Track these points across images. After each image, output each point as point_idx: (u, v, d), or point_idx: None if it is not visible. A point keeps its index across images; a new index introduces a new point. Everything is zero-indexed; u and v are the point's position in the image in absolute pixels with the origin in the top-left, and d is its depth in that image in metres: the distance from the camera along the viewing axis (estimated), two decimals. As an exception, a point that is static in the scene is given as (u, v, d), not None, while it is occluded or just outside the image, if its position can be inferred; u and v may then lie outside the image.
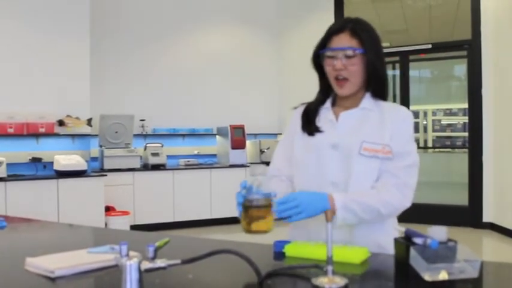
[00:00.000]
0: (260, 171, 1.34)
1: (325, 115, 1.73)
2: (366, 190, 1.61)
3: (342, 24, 1.67)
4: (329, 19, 8.18)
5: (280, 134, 8.66)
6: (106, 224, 6.27)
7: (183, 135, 8.01)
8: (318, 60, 1.71)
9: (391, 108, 1.70)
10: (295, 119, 1.80)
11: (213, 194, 7.43)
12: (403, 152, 1.64)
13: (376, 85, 1.69)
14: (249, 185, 1.35)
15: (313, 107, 1.76)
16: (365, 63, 1.64)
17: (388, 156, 1.62)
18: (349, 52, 1.62)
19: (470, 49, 7.19)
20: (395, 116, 1.68)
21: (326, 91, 1.76)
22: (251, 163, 8.00)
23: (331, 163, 1.65)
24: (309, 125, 1.72)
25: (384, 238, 1.63)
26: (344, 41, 1.63)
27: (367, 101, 1.71)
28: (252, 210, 1.33)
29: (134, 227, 6.63)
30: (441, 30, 8.19)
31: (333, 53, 1.63)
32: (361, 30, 1.64)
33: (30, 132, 6.27)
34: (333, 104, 1.76)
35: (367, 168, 1.62)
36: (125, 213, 6.55)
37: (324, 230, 1.48)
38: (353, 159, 1.62)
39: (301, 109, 1.81)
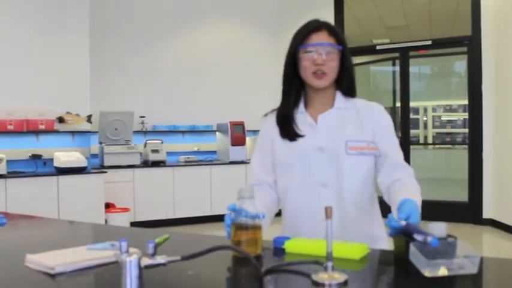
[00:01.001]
0: (248, 193, 1.34)
1: (302, 119, 1.75)
2: (403, 183, 1.64)
3: (318, 23, 1.73)
4: (329, 16, 8.18)
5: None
6: (106, 221, 6.28)
7: (183, 132, 8.01)
8: (291, 60, 1.73)
9: (365, 106, 1.77)
10: (269, 126, 1.81)
11: (213, 191, 7.44)
12: (397, 146, 1.74)
13: (347, 82, 1.76)
14: (238, 207, 1.35)
15: (287, 112, 1.76)
16: (340, 60, 1.71)
17: (374, 152, 1.70)
18: (330, 48, 1.68)
19: (470, 45, 7.18)
20: (373, 114, 1.74)
21: (296, 94, 1.77)
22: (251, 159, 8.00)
23: (319, 165, 1.69)
24: (288, 130, 1.74)
25: (375, 230, 1.74)
26: (323, 38, 1.69)
27: (340, 100, 1.76)
28: (240, 233, 1.33)
29: (134, 224, 6.64)
30: (441, 26, 8.18)
31: (313, 49, 1.68)
32: (336, 30, 1.73)
33: (30, 129, 6.27)
34: (305, 107, 1.78)
35: (356, 165, 1.68)
36: (125, 210, 6.56)
37: (317, 231, 1.54)
38: (341, 159, 1.67)
39: (272, 116, 1.82)
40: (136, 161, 7.12)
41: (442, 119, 10.30)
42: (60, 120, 6.46)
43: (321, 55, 1.66)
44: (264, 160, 1.82)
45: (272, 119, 1.80)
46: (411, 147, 7.61)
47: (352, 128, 1.70)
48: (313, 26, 1.72)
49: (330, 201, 1.61)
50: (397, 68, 7.90)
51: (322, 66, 1.66)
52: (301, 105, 1.77)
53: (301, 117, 1.75)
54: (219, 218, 8.03)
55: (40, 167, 6.35)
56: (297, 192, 1.72)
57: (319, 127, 1.72)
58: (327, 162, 1.68)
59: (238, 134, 7.77)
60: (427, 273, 1.10)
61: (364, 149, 1.68)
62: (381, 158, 1.71)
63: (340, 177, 1.66)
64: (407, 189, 1.57)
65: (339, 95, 1.76)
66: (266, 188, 1.79)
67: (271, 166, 1.80)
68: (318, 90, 1.73)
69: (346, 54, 1.72)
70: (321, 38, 1.69)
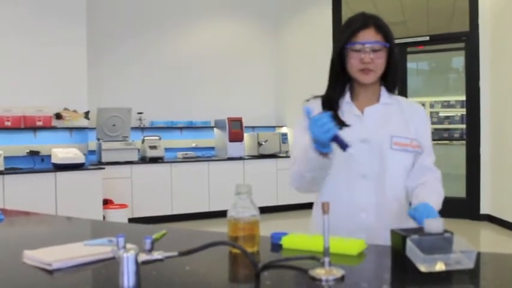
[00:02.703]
0: (245, 189, 1.34)
1: (349, 109, 1.77)
2: (425, 188, 1.70)
3: (366, 20, 1.73)
4: (327, 12, 8.17)
5: (278, 126, 8.67)
6: (104, 217, 6.28)
7: (181, 128, 8.01)
8: (339, 56, 1.74)
9: (409, 105, 1.82)
10: (315, 111, 1.76)
11: (211, 187, 7.44)
12: (430, 149, 1.78)
13: (393, 78, 1.79)
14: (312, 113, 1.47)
15: (333, 101, 1.78)
16: (387, 56, 1.73)
17: (417, 150, 1.73)
18: (377, 46, 1.69)
19: (468, 41, 7.19)
20: (416, 113, 1.79)
21: (342, 86, 1.79)
22: (249, 156, 8.01)
23: (360, 156, 1.69)
24: (335, 119, 1.71)
25: None
26: (370, 35, 1.70)
27: (385, 95, 1.80)
28: (237, 229, 1.32)
29: (132, 220, 6.64)
30: (439, 22, 8.17)
31: (361, 47, 1.69)
32: (383, 26, 1.73)
33: (27, 126, 6.26)
34: (351, 99, 1.80)
35: (399, 161, 1.71)
36: (123, 206, 6.56)
37: (353, 220, 1.65)
38: (385, 153, 1.69)
39: (316, 101, 1.80)
40: (134, 157, 7.12)
41: (439, 114, 10.29)
42: (58, 116, 6.45)
43: (368, 54, 1.68)
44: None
45: (317, 104, 1.78)
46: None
47: (397, 124, 1.73)
48: (361, 23, 1.71)
49: (368, 193, 1.67)
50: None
51: (369, 64, 1.69)
52: (347, 96, 1.79)
53: (348, 108, 1.77)
54: (217, 214, 8.04)
55: (38, 163, 6.34)
56: (336, 182, 1.72)
57: (365, 119, 1.75)
58: (368, 154, 1.70)
59: (236, 130, 7.77)
60: (424, 268, 1.11)
61: (408, 146, 1.71)
62: (425, 156, 1.75)
63: (381, 171, 1.68)
64: (428, 194, 1.65)
65: (384, 91, 1.80)
66: None
67: None
68: (364, 85, 1.76)
69: (393, 51, 1.73)
70: (368, 35, 1.69)
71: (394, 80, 1.79)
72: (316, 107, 1.76)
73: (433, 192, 1.68)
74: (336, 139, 1.47)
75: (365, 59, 1.68)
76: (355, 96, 1.79)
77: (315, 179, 1.67)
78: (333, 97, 1.78)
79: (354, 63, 1.71)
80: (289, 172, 1.73)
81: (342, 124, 1.72)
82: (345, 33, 1.73)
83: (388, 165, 1.69)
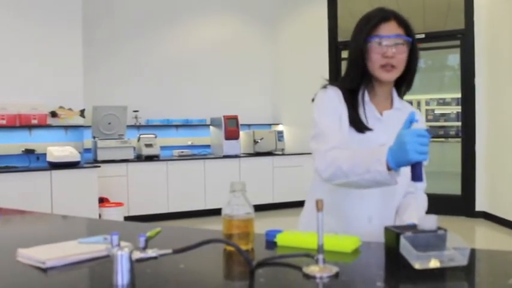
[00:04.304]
0: (240, 187, 1.33)
1: (370, 111, 1.68)
2: (413, 202, 1.67)
3: (386, 13, 1.65)
4: (323, 9, 8.17)
5: (274, 124, 8.67)
6: (100, 216, 6.27)
7: (177, 126, 8.00)
8: (360, 50, 1.64)
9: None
10: (335, 99, 1.66)
11: (207, 185, 7.44)
12: None
13: (410, 79, 1.72)
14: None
15: (355, 97, 1.67)
16: (408, 52, 1.65)
17: None
18: (399, 40, 1.62)
19: (463, 38, 7.20)
20: (420, 125, 1.66)
21: (359, 80, 1.68)
22: (245, 153, 8.01)
23: None
24: (359, 121, 1.64)
25: None
26: (393, 28, 1.62)
27: (397, 99, 1.73)
28: (232, 226, 1.32)
29: (128, 218, 6.63)
30: (434, 20, 8.18)
31: (383, 40, 1.61)
32: (404, 20, 1.66)
33: (22, 124, 6.25)
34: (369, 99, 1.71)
35: (408, 169, 1.62)
36: (119, 204, 6.55)
37: (365, 226, 1.61)
38: None
39: (335, 90, 1.67)
40: (130, 155, 7.11)
41: (435, 112, 10.31)
42: (53, 114, 6.44)
43: (390, 47, 1.60)
44: (338, 126, 1.62)
45: (337, 94, 1.66)
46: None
47: None
48: (382, 15, 1.64)
49: (377, 199, 1.64)
50: (391, 62, 7.87)
51: (392, 59, 1.60)
52: (366, 95, 1.69)
53: (369, 109, 1.68)
54: (213, 212, 8.05)
55: (33, 161, 6.33)
56: (346, 187, 1.61)
57: (385, 123, 1.67)
58: None
59: (232, 128, 7.76)
60: (418, 265, 1.11)
61: None
62: None
63: None
64: (415, 211, 1.60)
65: (395, 94, 1.73)
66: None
67: (343, 135, 1.62)
68: (382, 85, 1.68)
69: (415, 48, 1.66)
70: (391, 29, 1.62)
71: (410, 81, 1.72)
72: (338, 97, 1.66)
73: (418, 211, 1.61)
74: (419, 166, 1.32)
75: (387, 53, 1.59)
76: (372, 96, 1.70)
77: (357, 185, 1.51)
78: (355, 93, 1.67)
79: (375, 59, 1.62)
80: (321, 155, 1.54)
81: (365, 128, 1.63)
82: (365, 26, 1.64)
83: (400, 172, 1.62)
